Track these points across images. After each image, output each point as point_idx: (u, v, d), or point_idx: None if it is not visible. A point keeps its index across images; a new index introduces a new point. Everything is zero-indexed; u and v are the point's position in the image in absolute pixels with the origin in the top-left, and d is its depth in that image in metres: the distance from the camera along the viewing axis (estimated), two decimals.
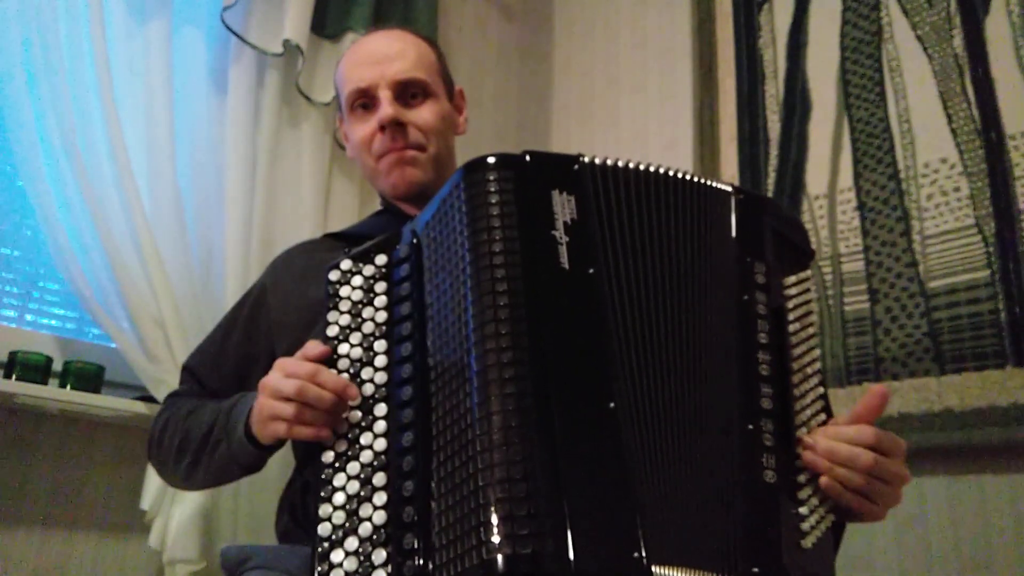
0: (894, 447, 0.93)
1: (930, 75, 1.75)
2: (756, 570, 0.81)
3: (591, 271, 0.89)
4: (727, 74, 2.15)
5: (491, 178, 0.91)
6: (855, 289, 1.77)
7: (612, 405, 0.83)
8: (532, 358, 0.82)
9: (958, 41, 1.72)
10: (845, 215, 1.82)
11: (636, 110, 2.38)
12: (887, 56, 1.83)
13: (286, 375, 0.94)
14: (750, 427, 0.87)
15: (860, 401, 0.95)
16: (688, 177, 0.99)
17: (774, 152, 1.99)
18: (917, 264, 1.68)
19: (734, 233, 0.97)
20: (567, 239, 0.89)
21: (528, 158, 0.93)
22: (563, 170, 0.94)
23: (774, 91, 2.03)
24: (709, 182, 1.00)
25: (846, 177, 1.84)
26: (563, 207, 0.91)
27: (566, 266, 0.88)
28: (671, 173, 0.98)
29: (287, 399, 0.93)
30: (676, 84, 2.28)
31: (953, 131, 1.69)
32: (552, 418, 0.80)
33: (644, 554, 0.76)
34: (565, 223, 0.90)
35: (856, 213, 1.81)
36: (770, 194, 1.96)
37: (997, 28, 1.67)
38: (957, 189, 1.66)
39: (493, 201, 0.89)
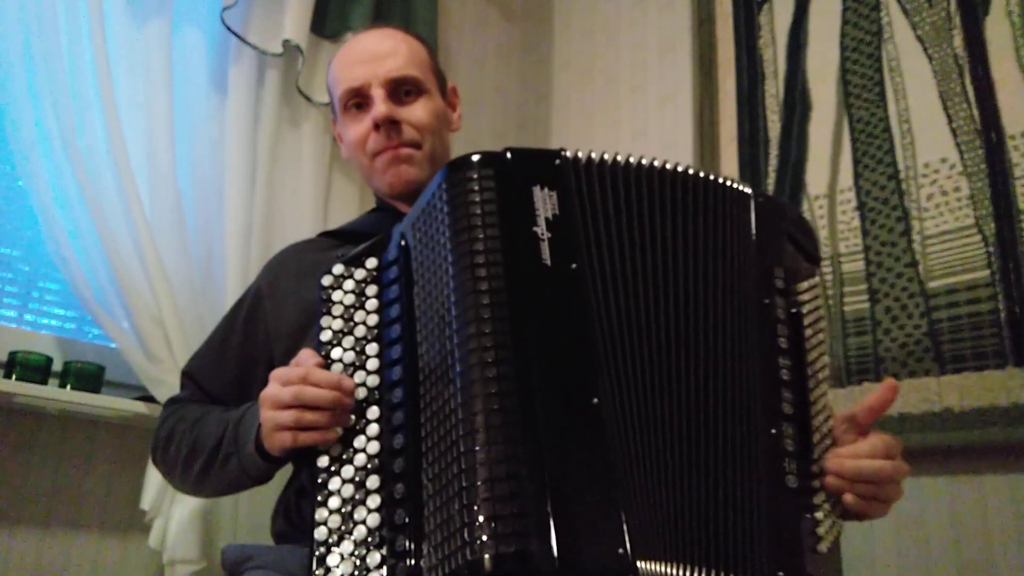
0: (896, 448, 0.95)
1: (930, 75, 1.74)
2: (781, 574, 0.82)
3: (573, 266, 0.88)
4: (727, 74, 2.15)
5: (472, 176, 0.90)
6: (855, 289, 1.77)
7: (596, 401, 0.83)
8: (515, 356, 0.82)
9: (958, 41, 1.71)
10: (845, 215, 1.82)
11: (636, 110, 2.38)
12: (887, 56, 1.83)
13: (282, 383, 0.95)
14: (773, 431, 0.88)
15: (875, 395, 0.96)
16: (703, 175, 0.98)
17: (774, 152, 1.99)
18: (917, 264, 1.68)
19: (754, 236, 0.97)
20: (549, 235, 0.89)
21: (509, 155, 0.93)
22: (544, 166, 0.93)
23: (774, 91, 2.03)
24: (728, 182, 0.99)
25: (846, 177, 1.84)
26: (544, 203, 0.90)
27: (548, 262, 0.88)
28: (681, 169, 0.97)
29: (287, 406, 0.93)
30: (676, 84, 2.28)
31: (953, 131, 1.69)
32: (535, 416, 0.80)
33: (629, 550, 0.76)
34: (547, 219, 0.90)
35: (856, 213, 1.80)
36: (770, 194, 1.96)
37: (997, 28, 1.66)
38: (957, 189, 1.66)
39: (474, 200, 0.89)
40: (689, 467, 0.84)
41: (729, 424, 0.87)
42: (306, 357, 0.96)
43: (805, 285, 0.98)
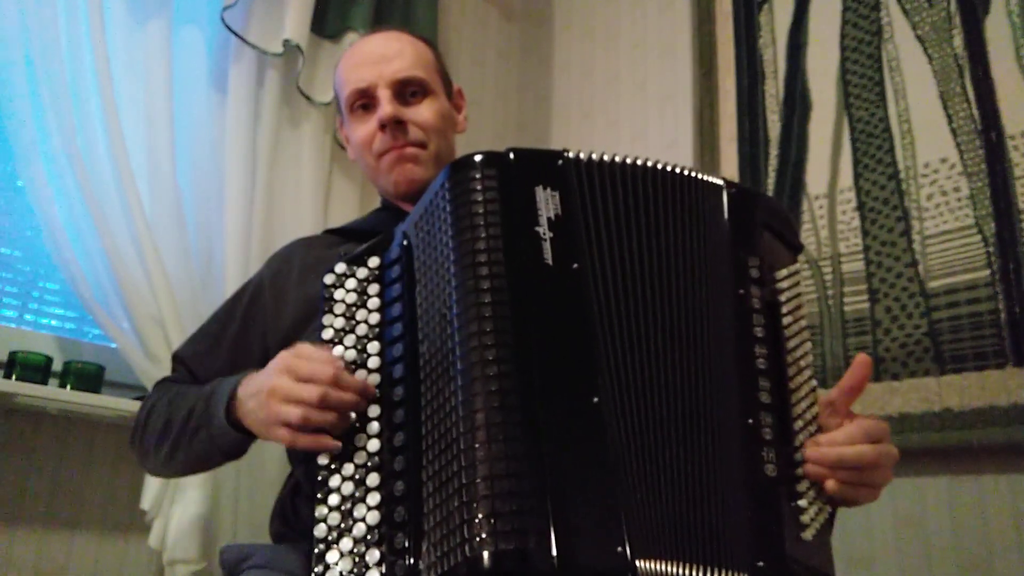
0: (882, 432, 0.94)
1: (930, 75, 1.74)
2: (761, 564, 0.82)
3: (575, 266, 0.89)
4: (727, 74, 2.15)
5: (475, 176, 0.91)
6: (855, 289, 1.77)
7: (596, 400, 0.83)
8: (516, 355, 0.83)
9: (958, 41, 1.71)
10: (845, 215, 1.82)
11: (636, 110, 2.38)
12: (887, 56, 1.83)
13: (299, 379, 0.92)
14: (750, 421, 0.88)
15: (848, 375, 0.96)
16: (679, 171, 0.99)
17: (774, 152, 1.99)
18: (917, 264, 1.68)
19: (727, 227, 0.97)
20: (551, 235, 0.89)
21: (512, 155, 0.94)
22: (547, 166, 0.94)
23: (774, 91, 2.03)
24: (700, 176, 1.00)
25: (846, 177, 1.84)
26: (547, 203, 0.91)
27: (550, 262, 0.88)
28: (660, 167, 0.98)
29: (301, 403, 0.91)
30: (676, 84, 2.28)
31: (953, 131, 1.69)
32: (536, 414, 0.80)
33: (628, 548, 0.77)
34: (549, 219, 0.90)
35: (856, 213, 1.80)
36: (770, 194, 1.96)
37: (997, 28, 1.66)
38: (957, 189, 1.66)
39: (477, 199, 0.90)
40: (681, 464, 0.85)
41: (711, 418, 0.88)
42: (310, 352, 0.94)
43: (784, 273, 0.98)
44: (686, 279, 0.93)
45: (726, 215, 0.98)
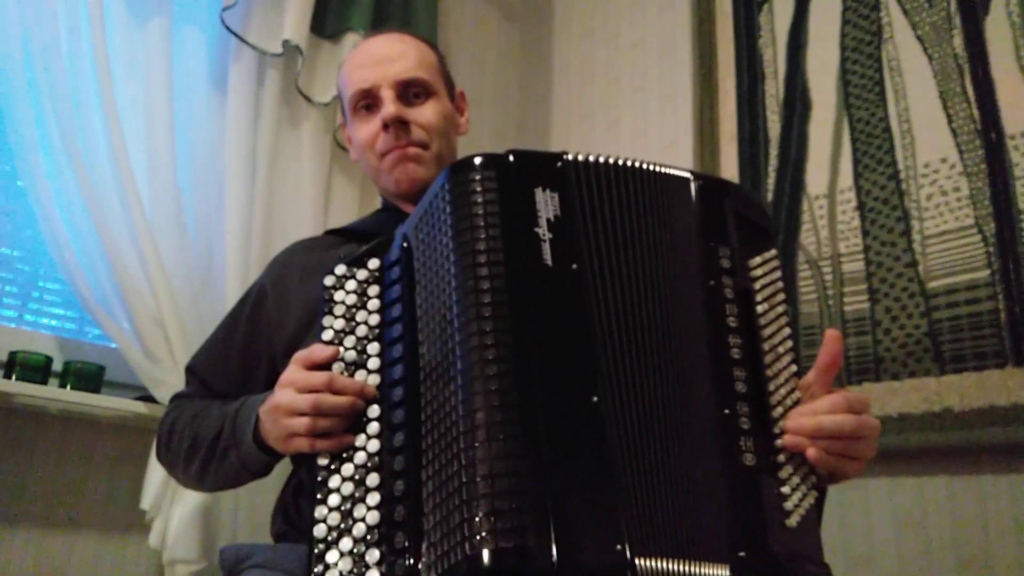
0: (862, 404, 0.94)
1: (930, 75, 1.75)
2: (743, 554, 0.81)
3: (574, 267, 0.90)
4: (727, 74, 2.15)
5: (475, 178, 0.92)
6: (855, 289, 1.77)
7: (595, 399, 0.84)
8: (516, 355, 0.83)
9: (958, 41, 1.71)
10: (845, 215, 1.82)
11: (636, 110, 2.38)
12: (887, 56, 1.83)
13: (298, 390, 0.96)
14: (726, 412, 0.88)
15: (821, 354, 0.96)
16: (650, 167, 0.99)
17: (774, 152, 1.99)
18: (917, 264, 1.68)
19: (697, 219, 0.98)
20: (550, 236, 0.90)
21: (512, 157, 0.94)
22: (546, 168, 0.95)
23: (774, 91, 2.03)
24: (667, 170, 1.00)
25: (846, 177, 1.84)
26: (546, 204, 0.92)
27: (549, 263, 0.89)
28: (651, 167, 0.99)
29: (302, 414, 0.94)
30: (676, 84, 2.28)
31: (953, 131, 1.69)
32: (535, 414, 0.81)
33: (627, 547, 0.77)
34: (548, 220, 0.91)
35: (856, 213, 1.80)
36: (770, 194, 1.96)
37: (997, 28, 1.66)
38: (957, 189, 1.66)
39: (477, 201, 0.90)
40: (670, 460, 0.85)
41: (692, 412, 0.88)
42: (319, 351, 0.97)
43: (758, 260, 0.98)
44: (667, 275, 0.94)
45: (695, 207, 0.98)
